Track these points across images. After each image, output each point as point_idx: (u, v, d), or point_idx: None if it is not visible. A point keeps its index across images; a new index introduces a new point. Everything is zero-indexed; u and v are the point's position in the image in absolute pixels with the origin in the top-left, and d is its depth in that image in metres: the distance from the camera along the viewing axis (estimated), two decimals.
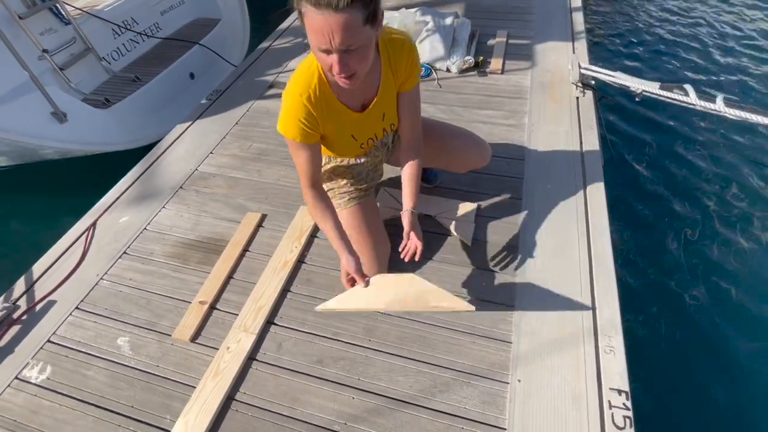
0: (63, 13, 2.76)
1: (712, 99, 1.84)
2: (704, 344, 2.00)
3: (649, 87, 2.05)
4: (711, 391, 1.85)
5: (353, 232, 1.46)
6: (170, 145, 2.20)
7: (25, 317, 1.49)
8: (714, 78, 3.73)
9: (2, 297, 1.55)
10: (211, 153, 2.14)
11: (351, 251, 1.22)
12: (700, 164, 2.89)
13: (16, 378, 1.33)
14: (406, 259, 1.27)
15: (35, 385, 1.32)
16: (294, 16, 3.36)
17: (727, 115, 1.78)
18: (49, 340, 1.42)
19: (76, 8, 2.95)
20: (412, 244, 1.27)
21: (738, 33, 4.38)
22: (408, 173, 1.36)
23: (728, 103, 1.78)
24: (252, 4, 4.01)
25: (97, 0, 3.14)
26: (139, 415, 1.23)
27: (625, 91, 2.26)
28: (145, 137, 2.83)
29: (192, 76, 3.28)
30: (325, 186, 1.47)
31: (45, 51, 2.62)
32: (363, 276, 1.18)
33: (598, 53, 4.09)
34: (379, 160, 1.54)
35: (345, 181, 1.49)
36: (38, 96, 2.42)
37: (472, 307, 1.20)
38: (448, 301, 1.19)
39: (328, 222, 1.24)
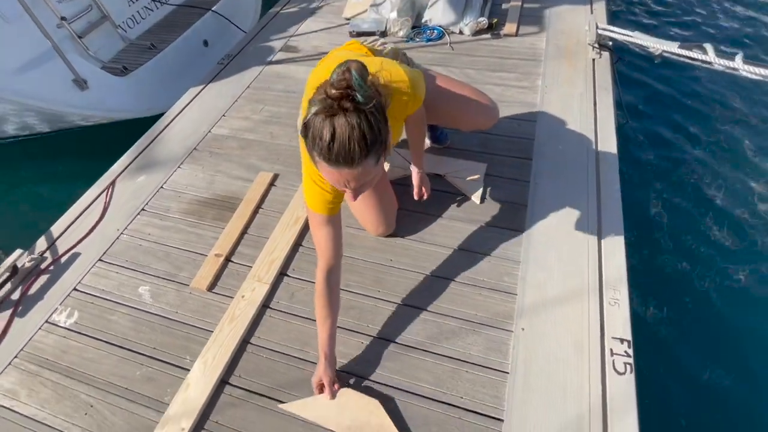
0: None
1: (731, 57, 1.79)
2: (712, 308, 2.01)
3: (669, 47, 2.00)
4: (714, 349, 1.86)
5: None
6: (184, 108, 2.24)
7: (51, 268, 1.57)
8: (735, 39, 3.59)
9: (28, 250, 1.64)
10: (223, 116, 2.17)
11: (331, 363, 1.18)
12: (718, 129, 2.82)
13: (46, 322, 1.42)
14: (416, 198, 1.55)
15: (64, 328, 1.40)
16: None
17: (746, 74, 1.73)
18: (75, 289, 1.50)
19: None
20: (422, 189, 1.52)
21: None
22: (413, 138, 1.44)
23: (747, 61, 1.74)
24: None
25: None
26: (160, 355, 1.31)
27: (642, 54, 2.21)
28: (162, 105, 2.87)
29: (206, 43, 3.29)
30: None
31: (63, 19, 2.66)
32: (332, 388, 1.16)
33: (616, 16, 3.96)
34: None
35: None
36: (60, 64, 2.47)
37: None
38: None
39: (327, 323, 1.16)
